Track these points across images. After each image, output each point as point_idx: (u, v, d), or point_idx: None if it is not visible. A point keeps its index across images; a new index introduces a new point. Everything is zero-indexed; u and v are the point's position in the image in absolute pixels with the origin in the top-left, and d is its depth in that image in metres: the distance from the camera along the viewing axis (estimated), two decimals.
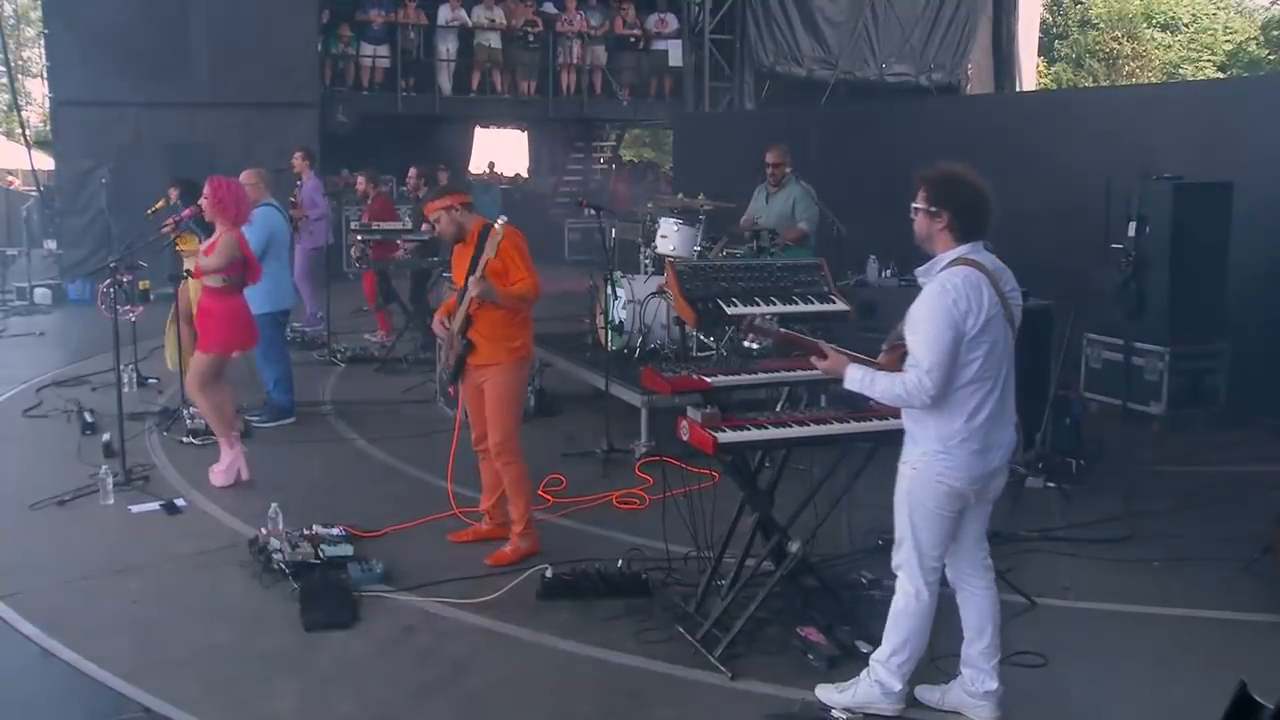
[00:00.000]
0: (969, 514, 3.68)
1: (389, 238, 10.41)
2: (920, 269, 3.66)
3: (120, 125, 13.68)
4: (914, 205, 3.63)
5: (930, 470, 3.57)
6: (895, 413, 4.19)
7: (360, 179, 11.65)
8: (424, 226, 10.18)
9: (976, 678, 3.76)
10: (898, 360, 3.62)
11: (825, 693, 3.90)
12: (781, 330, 3.99)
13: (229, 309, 6.34)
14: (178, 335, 7.80)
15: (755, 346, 3.72)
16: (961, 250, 3.55)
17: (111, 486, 6.01)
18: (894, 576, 3.74)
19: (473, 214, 5.26)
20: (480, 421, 5.29)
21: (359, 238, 10.24)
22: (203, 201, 6.35)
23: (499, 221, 4.97)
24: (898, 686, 3.74)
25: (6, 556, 5.24)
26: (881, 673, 3.75)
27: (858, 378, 3.66)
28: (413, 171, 10.93)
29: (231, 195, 6.30)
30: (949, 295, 3.45)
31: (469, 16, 16.74)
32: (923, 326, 3.48)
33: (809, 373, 4.42)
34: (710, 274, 4.89)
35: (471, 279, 5.03)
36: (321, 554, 5.01)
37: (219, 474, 6.27)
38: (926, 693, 3.89)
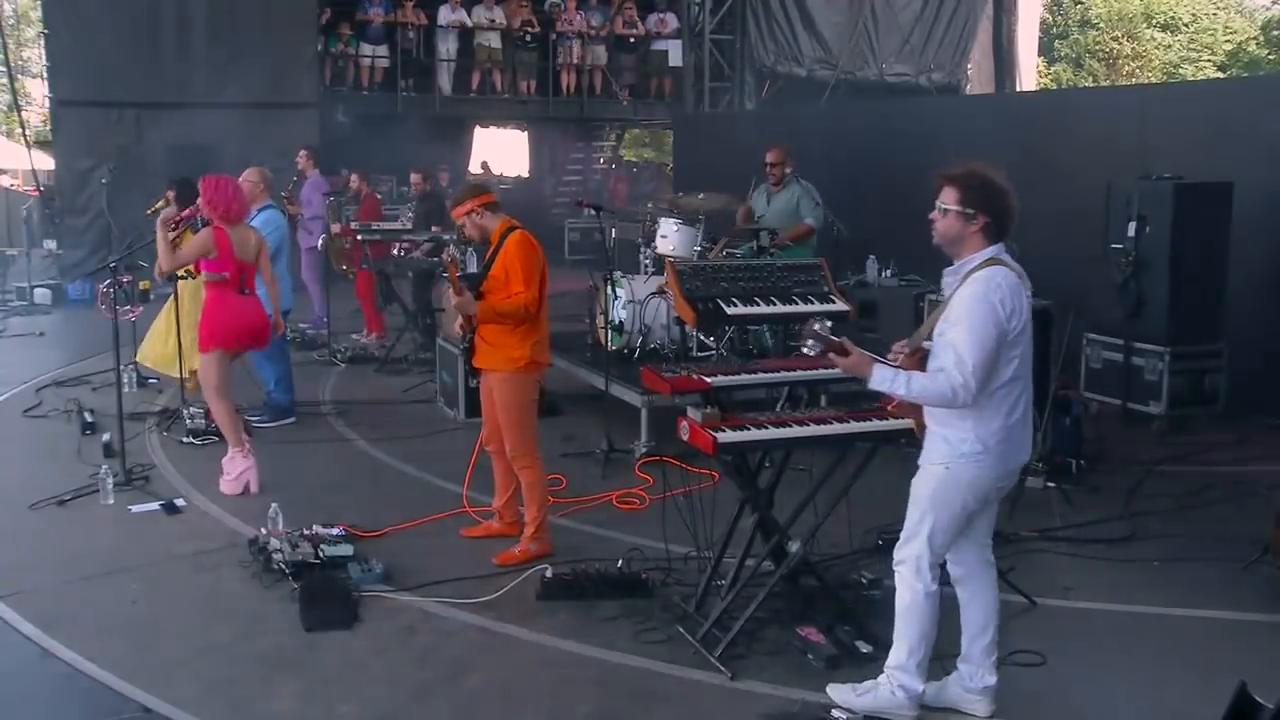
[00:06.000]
0: (983, 511, 3.69)
1: (389, 238, 10.39)
2: (948, 270, 3.60)
3: (120, 125, 13.69)
4: (942, 205, 3.53)
5: (964, 472, 3.52)
6: (897, 413, 4.21)
7: (354, 177, 11.59)
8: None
9: (975, 674, 3.77)
10: (918, 364, 3.57)
11: (840, 693, 3.81)
12: (826, 336, 3.68)
13: (214, 304, 6.25)
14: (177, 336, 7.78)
15: (813, 354, 3.62)
16: (991, 251, 3.50)
17: (111, 486, 6.01)
18: (894, 576, 3.73)
19: (497, 215, 5.18)
20: (489, 421, 5.32)
21: (359, 237, 10.22)
22: (199, 200, 6.37)
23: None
24: (920, 687, 3.69)
25: (6, 556, 5.24)
26: (903, 677, 3.68)
27: (887, 377, 3.51)
28: (415, 177, 10.93)
29: (223, 193, 6.27)
30: (995, 295, 3.40)
31: (469, 16, 16.74)
32: (967, 324, 3.40)
33: (809, 373, 4.42)
34: (710, 274, 4.89)
35: (450, 292, 5.07)
36: (321, 554, 5.02)
37: (228, 482, 6.18)
38: None
